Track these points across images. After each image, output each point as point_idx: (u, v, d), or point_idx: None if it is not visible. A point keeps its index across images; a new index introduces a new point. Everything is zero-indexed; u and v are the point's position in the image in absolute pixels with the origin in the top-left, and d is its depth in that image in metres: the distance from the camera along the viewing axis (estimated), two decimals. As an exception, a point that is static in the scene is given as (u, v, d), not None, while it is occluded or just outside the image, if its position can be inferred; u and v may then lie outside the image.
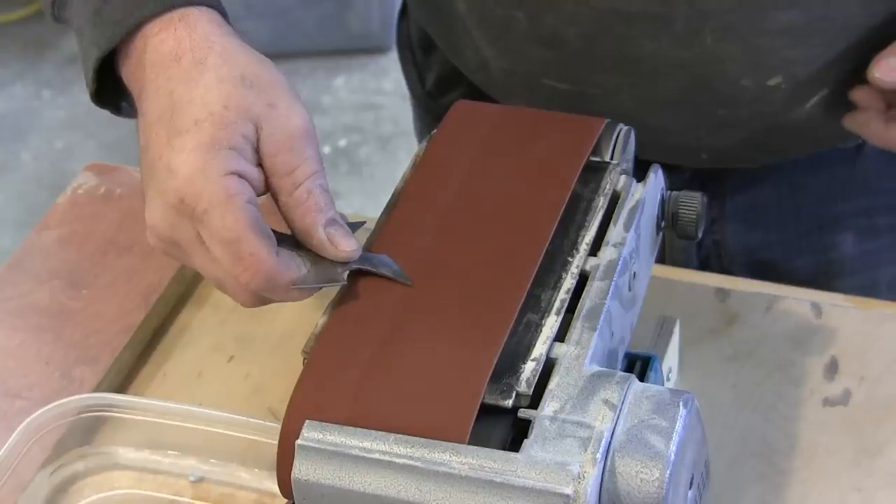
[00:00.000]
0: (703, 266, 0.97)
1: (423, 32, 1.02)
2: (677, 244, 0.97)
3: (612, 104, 0.85)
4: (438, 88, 1.04)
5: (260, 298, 0.68)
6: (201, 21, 0.70)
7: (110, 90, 0.75)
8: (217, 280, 0.68)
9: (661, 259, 0.95)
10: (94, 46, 0.72)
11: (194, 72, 0.68)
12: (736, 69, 0.83)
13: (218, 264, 0.67)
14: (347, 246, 0.68)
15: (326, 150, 2.58)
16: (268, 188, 0.68)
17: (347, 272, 0.67)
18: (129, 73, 0.72)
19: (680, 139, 0.90)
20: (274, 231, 0.67)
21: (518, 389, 0.62)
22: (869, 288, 0.91)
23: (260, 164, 0.68)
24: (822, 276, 0.95)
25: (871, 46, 0.82)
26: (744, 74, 0.83)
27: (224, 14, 0.73)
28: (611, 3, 0.81)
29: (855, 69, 0.83)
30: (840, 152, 0.94)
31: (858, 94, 0.85)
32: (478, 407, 0.61)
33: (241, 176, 0.66)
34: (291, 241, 0.68)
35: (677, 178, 0.93)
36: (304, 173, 0.68)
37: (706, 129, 0.89)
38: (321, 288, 0.68)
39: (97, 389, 0.83)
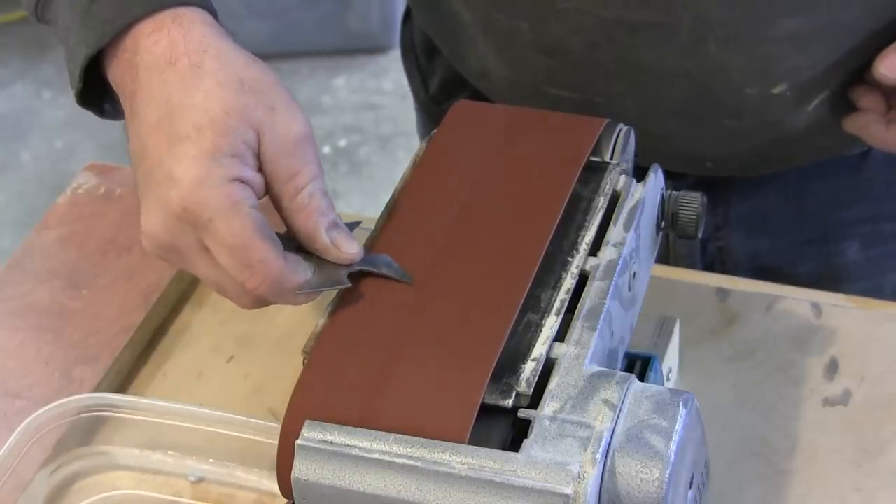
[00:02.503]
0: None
1: (427, 36, 1.02)
2: (681, 250, 0.97)
3: (616, 112, 0.85)
4: (442, 93, 1.03)
5: (262, 301, 0.68)
6: (195, 22, 0.69)
7: (95, 91, 0.74)
8: (218, 285, 0.68)
9: (665, 264, 0.95)
10: (83, 45, 0.71)
11: (192, 76, 0.67)
12: (740, 77, 0.83)
13: (221, 270, 0.66)
14: (351, 248, 0.67)
15: (326, 150, 2.58)
16: (268, 192, 0.68)
17: (349, 274, 0.67)
18: (118, 74, 0.71)
19: (684, 147, 0.90)
20: (277, 234, 0.67)
21: (518, 389, 0.62)
22: (874, 294, 0.91)
23: (260, 169, 0.67)
24: (826, 282, 0.95)
25: (875, 48, 0.82)
26: (748, 83, 0.83)
27: (215, 14, 0.72)
28: (614, 12, 0.81)
29: (857, 70, 0.83)
30: (845, 159, 0.94)
31: (859, 96, 0.85)
32: (478, 407, 0.61)
33: (244, 182, 0.66)
34: (292, 243, 0.68)
35: (682, 184, 0.93)
36: (305, 177, 0.67)
37: (710, 138, 0.89)
38: (323, 291, 0.68)
39: (97, 389, 0.83)
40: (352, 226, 0.70)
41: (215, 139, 0.65)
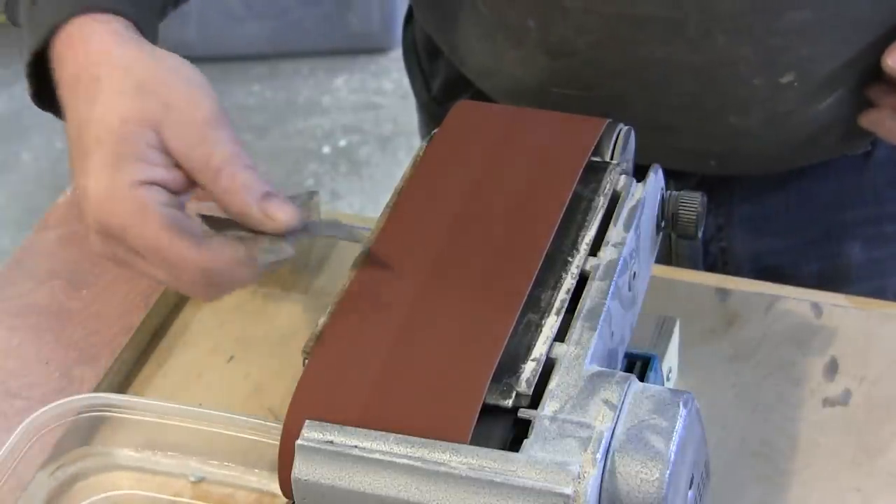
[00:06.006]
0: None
1: (429, 37, 1.01)
2: (683, 251, 0.97)
3: (621, 109, 0.85)
4: (444, 94, 1.03)
5: (215, 288, 0.68)
6: (97, 32, 0.70)
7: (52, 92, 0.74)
8: (167, 283, 0.69)
9: (666, 264, 0.95)
10: (26, 49, 0.73)
11: (92, 89, 0.68)
12: (748, 69, 0.83)
13: (161, 270, 0.67)
14: (284, 215, 0.66)
15: (326, 150, 2.58)
16: (195, 184, 0.68)
17: (294, 242, 0.66)
18: (56, 86, 0.72)
19: (689, 145, 0.90)
20: (213, 218, 0.67)
21: (518, 389, 0.62)
22: (877, 295, 0.91)
23: (179, 166, 0.67)
24: (829, 283, 0.94)
25: (886, 45, 0.82)
26: (756, 74, 0.83)
27: (136, 17, 0.72)
28: (620, 8, 0.81)
29: (870, 70, 0.83)
30: (849, 160, 0.94)
31: (873, 92, 0.85)
32: (479, 408, 0.61)
33: (152, 183, 0.66)
34: (236, 225, 0.67)
35: (685, 184, 0.93)
36: (219, 159, 0.67)
37: (716, 135, 0.88)
38: (272, 265, 0.67)
39: (97, 389, 0.83)
40: (308, 196, 0.68)
41: (115, 148, 0.66)
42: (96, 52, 0.69)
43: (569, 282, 0.67)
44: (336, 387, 0.63)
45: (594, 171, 0.73)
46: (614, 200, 0.72)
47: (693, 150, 0.91)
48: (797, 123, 0.87)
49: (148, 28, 0.73)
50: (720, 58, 0.82)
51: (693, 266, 0.97)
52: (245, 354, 0.87)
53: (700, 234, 0.76)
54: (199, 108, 0.68)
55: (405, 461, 0.60)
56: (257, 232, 0.67)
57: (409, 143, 2.57)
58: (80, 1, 0.71)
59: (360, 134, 2.63)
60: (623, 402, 0.61)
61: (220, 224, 0.67)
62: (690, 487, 0.62)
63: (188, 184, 0.68)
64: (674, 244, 0.97)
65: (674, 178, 0.79)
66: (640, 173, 0.74)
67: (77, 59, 0.69)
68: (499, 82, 0.93)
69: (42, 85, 0.74)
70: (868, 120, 0.86)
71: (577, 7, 0.82)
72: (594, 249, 0.69)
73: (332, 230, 0.67)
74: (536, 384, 0.62)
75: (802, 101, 0.85)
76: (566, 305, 0.66)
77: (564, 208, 0.70)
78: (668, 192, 0.76)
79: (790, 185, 0.96)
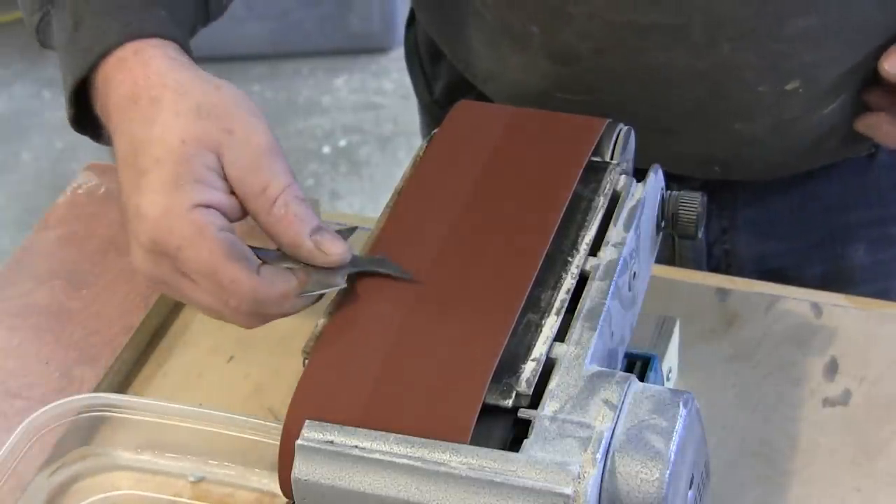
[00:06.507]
0: None
1: (432, 40, 1.01)
2: (687, 253, 0.97)
3: (625, 114, 0.85)
4: (447, 97, 1.03)
5: (259, 318, 0.68)
6: (155, 56, 0.70)
7: (92, 116, 0.75)
8: (210, 309, 0.68)
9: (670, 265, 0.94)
10: (70, 74, 0.73)
11: (151, 111, 0.68)
12: (753, 76, 0.82)
13: (208, 294, 0.67)
14: (336, 249, 0.67)
15: (326, 150, 2.58)
16: (246, 212, 0.68)
17: (345, 276, 0.67)
18: (98, 107, 0.72)
19: (692, 151, 0.89)
20: (261, 250, 0.67)
21: (518, 389, 0.62)
22: (880, 298, 0.91)
23: (233, 192, 0.67)
24: (833, 285, 0.94)
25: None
26: (761, 81, 0.83)
27: (181, 40, 0.73)
28: (624, 15, 0.81)
29: (874, 74, 0.83)
30: (852, 162, 0.94)
31: (870, 96, 0.84)
32: (479, 408, 0.61)
33: (209, 206, 0.66)
34: (285, 257, 0.68)
35: (688, 187, 0.93)
36: (275, 189, 0.67)
37: (720, 142, 0.88)
38: (321, 296, 0.68)
39: (97, 389, 0.83)
40: (347, 233, 0.69)
41: (174, 168, 0.66)
42: (155, 74, 0.69)
43: (569, 282, 0.67)
44: (336, 387, 0.63)
45: (594, 171, 0.73)
46: (614, 200, 0.72)
47: (697, 157, 0.90)
48: (802, 129, 0.87)
49: (188, 49, 0.74)
50: (725, 64, 0.82)
51: (697, 268, 0.97)
52: (245, 354, 0.87)
53: (700, 234, 0.76)
54: (259, 136, 0.68)
55: (405, 461, 0.60)
56: (305, 264, 0.67)
57: (409, 143, 2.57)
58: (128, 27, 0.71)
59: (360, 134, 2.63)
60: (623, 402, 0.61)
61: (262, 253, 0.67)
62: (690, 487, 0.62)
63: (242, 212, 0.68)
64: (677, 246, 0.97)
65: (677, 182, 0.79)
66: (642, 177, 0.74)
67: (136, 81, 0.69)
68: (502, 86, 0.93)
69: (77, 109, 0.74)
70: (864, 124, 0.86)
71: (582, 13, 0.81)
72: (594, 249, 0.69)
73: (379, 266, 0.67)
74: (536, 384, 0.62)
75: (807, 107, 0.85)
76: (566, 305, 0.66)
77: (564, 208, 0.70)
78: (668, 192, 0.76)
79: (794, 189, 0.95)
